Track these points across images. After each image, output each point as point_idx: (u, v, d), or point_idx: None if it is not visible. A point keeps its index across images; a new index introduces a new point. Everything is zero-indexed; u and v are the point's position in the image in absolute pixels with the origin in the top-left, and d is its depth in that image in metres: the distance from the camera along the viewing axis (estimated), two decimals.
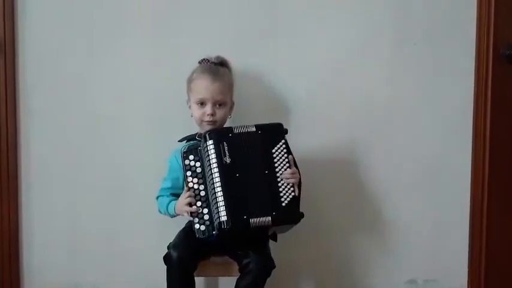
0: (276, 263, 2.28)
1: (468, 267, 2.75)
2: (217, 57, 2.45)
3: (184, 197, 2.27)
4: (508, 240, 2.73)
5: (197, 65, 2.44)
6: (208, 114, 2.36)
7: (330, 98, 2.66)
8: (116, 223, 2.67)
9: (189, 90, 2.43)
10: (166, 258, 2.25)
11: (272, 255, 2.31)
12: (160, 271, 2.27)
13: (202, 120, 2.38)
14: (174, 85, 2.55)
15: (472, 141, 2.71)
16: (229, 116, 2.44)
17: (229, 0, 2.62)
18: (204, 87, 2.37)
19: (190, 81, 2.43)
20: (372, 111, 2.68)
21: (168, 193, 2.40)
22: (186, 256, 2.23)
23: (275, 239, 2.37)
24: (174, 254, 2.23)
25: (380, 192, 2.71)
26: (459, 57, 2.68)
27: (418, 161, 2.71)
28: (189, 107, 2.44)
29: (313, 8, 2.63)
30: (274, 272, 2.27)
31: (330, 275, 2.73)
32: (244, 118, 2.45)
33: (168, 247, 2.27)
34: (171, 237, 2.33)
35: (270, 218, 2.21)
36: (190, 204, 2.26)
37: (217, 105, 2.37)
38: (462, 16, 2.67)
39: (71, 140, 2.65)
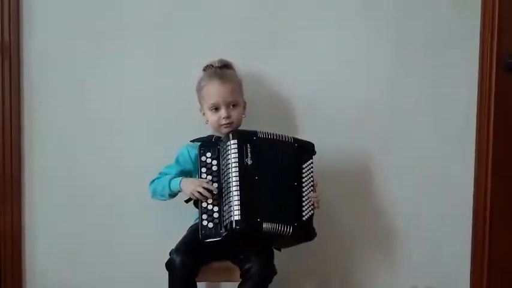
0: (277, 269, 2.27)
1: (470, 276, 2.75)
2: (220, 61, 2.46)
3: (202, 180, 2.26)
4: (510, 248, 2.73)
5: (202, 72, 2.45)
6: (224, 118, 2.36)
7: (331, 104, 2.66)
8: (118, 226, 2.67)
9: (200, 98, 2.44)
10: (169, 264, 2.24)
11: (274, 261, 2.30)
12: (161, 275, 2.27)
13: (219, 125, 2.38)
14: (176, 88, 2.57)
15: (475, 149, 2.71)
16: (243, 116, 2.44)
17: (233, 4, 2.63)
18: (215, 91, 2.38)
19: (200, 89, 2.43)
20: (374, 118, 2.69)
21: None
22: (188, 261, 2.23)
23: (279, 249, 2.38)
24: (177, 259, 2.22)
25: (382, 200, 2.71)
26: (462, 65, 2.68)
27: (420, 168, 2.71)
28: (203, 114, 2.43)
29: (316, 13, 2.64)
30: (275, 278, 2.26)
31: (331, 282, 2.74)
32: (246, 122, 2.45)
33: (171, 253, 2.26)
34: (172, 240, 2.32)
35: (291, 227, 2.22)
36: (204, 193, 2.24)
37: (230, 107, 2.38)
38: (465, 24, 2.67)
39: (73, 143, 2.65)
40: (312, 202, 2.31)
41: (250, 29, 2.63)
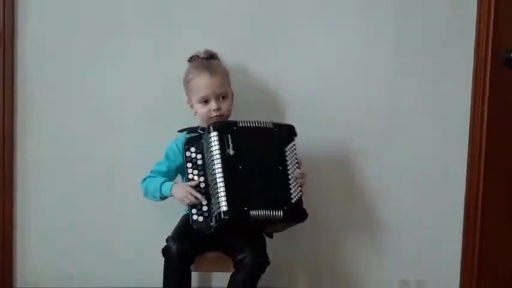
0: (270, 259, 2.27)
1: (461, 269, 2.76)
2: (206, 52, 2.45)
3: (190, 186, 2.27)
4: (501, 242, 2.74)
5: (187, 64, 2.44)
6: (214, 110, 2.36)
7: (330, 102, 2.67)
8: (111, 220, 2.67)
9: (188, 91, 2.43)
10: (165, 251, 2.25)
11: (267, 251, 2.30)
12: (157, 266, 2.28)
13: (209, 117, 2.37)
14: (173, 84, 2.54)
15: (468, 146, 2.72)
16: (232, 107, 2.44)
17: (232, 3, 2.63)
18: (204, 84, 2.37)
19: (187, 81, 2.43)
20: (373, 117, 2.70)
21: (161, 176, 2.39)
22: (185, 249, 2.24)
23: (271, 236, 2.39)
24: (174, 246, 2.23)
25: (375, 194, 2.72)
26: (461, 64, 2.69)
27: (415, 164, 2.72)
28: (191, 106, 2.43)
29: (315, 12, 2.65)
30: (268, 268, 2.27)
31: (323, 273, 2.74)
32: (244, 118, 2.44)
33: (167, 240, 2.27)
34: (167, 231, 2.33)
35: (281, 212, 2.22)
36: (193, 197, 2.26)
37: (220, 99, 2.38)
38: (464, 23, 2.68)
39: (67, 136, 2.65)
40: (299, 183, 2.30)
41: (249, 28, 2.63)
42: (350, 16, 2.66)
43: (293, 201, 2.27)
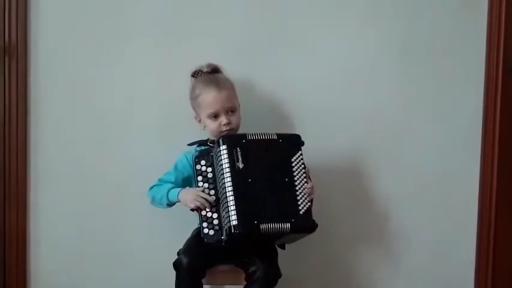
0: (282, 271, 2.28)
1: (474, 280, 2.75)
2: (209, 65, 2.44)
3: (199, 191, 2.27)
4: None
5: (191, 79, 2.44)
6: (224, 124, 2.36)
7: (337, 108, 2.67)
8: (124, 228, 2.68)
9: (196, 106, 2.42)
10: (177, 264, 2.26)
11: (278, 264, 2.31)
12: (167, 276, 2.29)
13: (220, 131, 2.37)
14: (182, 89, 2.56)
15: (481, 154, 2.71)
16: (240, 118, 2.44)
17: (239, 8, 2.63)
18: (213, 99, 2.37)
19: (195, 97, 2.42)
20: (380, 122, 2.69)
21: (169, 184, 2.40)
22: (196, 263, 2.25)
23: (283, 247, 2.39)
24: (185, 260, 2.24)
25: (386, 203, 2.72)
26: (468, 70, 2.69)
27: (425, 172, 2.71)
28: (199, 121, 2.43)
29: (321, 19, 2.65)
30: (280, 281, 2.27)
31: (334, 284, 2.73)
32: (251, 128, 2.43)
33: (178, 253, 2.28)
34: (177, 242, 2.34)
35: (289, 224, 2.22)
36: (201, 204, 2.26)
37: (229, 113, 2.38)
38: (472, 29, 2.68)
39: (79, 145, 2.66)
40: (307, 194, 2.29)
41: (256, 36, 2.63)
42: (355, 21, 2.66)
43: (301, 212, 2.27)
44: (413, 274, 2.74)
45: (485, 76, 2.69)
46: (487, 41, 2.67)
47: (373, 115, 2.69)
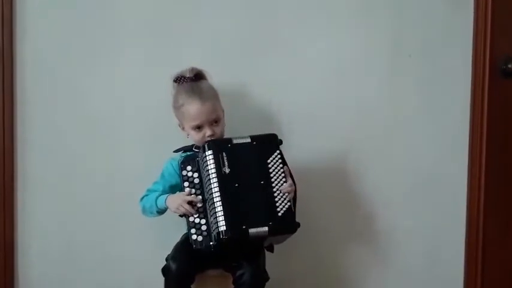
0: (270, 274, 2.27)
1: (464, 279, 2.75)
2: (192, 70, 2.39)
3: (185, 194, 2.26)
4: (504, 252, 2.75)
5: (174, 85, 2.40)
6: (209, 136, 2.34)
7: (326, 108, 2.67)
8: (113, 233, 2.66)
9: (179, 116, 2.39)
10: (165, 270, 2.24)
11: (266, 266, 2.31)
12: (157, 281, 2.27)
13: (204, 142, 2.33)
14: (171, 93, 2.56)
15: (469, 154, 2.72)
16: (224, 125, 2.42)
17: (227, 10, 2.62)
18: (196, 112, 2.33)
19: (178, 107, 2.38)
20: (369, 122, 2.70)
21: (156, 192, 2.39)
22: (184, 268, 2.23)
23: (272, 250, 2.38)
24: (173, 266, 2.22)
25: (376, 203, 2.72)
26: (456, 70, 2.70)
27: (414, 172, 2.72)
28: (182, 129, 2.41)
29: (311, 19, 2.64)
30: (268, 283, 2.26)
31: (323, 286, 2.72)
32: (240, 131, 2.44)
33: (167, 259, 2.26)
34: (168, 247, 2.33)
35: (266, 228, 2.21)
36: (190, 206, 2.25)
37: (213, 124, 2.36)
38: (459, 28, 2.69)
39: (67, 149, 2.64)
40: (286, 194, 2.27)
41: (245, 36, 2.63)
42: (345, 22, 2.67)
43: (280, 214, 2.25)
44: (402, 274, 2.74)
45: (472, 78, 2.70)
46: (473, 42, 2.69)
47: (362, 116, 2.69)
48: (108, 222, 2.66)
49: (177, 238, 2.41)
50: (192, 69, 2.39)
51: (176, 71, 2.42)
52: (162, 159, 2.44)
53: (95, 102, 2.63)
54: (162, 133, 2.60)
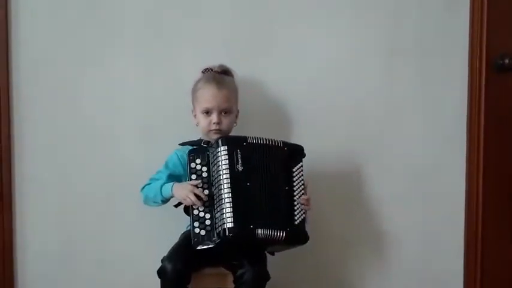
0: (271, 274, 2.27)
1: (464, 277, 2.76)
2: (220, 66, 2.45)
3: (193, 184, 2.24)
4: (504, 251, 2.75)
5: (200, 74, 2.43)
6: (214, 123, 2.35)
7: (324, 108, 2.67)
8: (110, 233, 2.66)
9: (194, 100, 2.42)
10: (161, 271, 2.23)
11: (267, 267, 2.30)
12: (156, 281, 2.26)
13: (209, 130, 2.36)
14: (167, 93, 2.56)
15: (466, 151, 2.72)
16: (234, 124, 2.43)
17: (226, 9, 2.62)
18: (210, 95, 2.36)
19: (195, 91, 2.41)
20: (366, 121, 2.70)
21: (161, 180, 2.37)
22: (180, 269, 2.22)
23: (272, 254, 2.38)
24: (169, 266, 2.21)
25: (374, 203, 2.72)
26: (452, 67, 2.70)
27: (413, 171, 2.72)
28: (194, 115, 2.42)
29: (309, 19, 2.64)
30: (268, 284, 2.26)
31: (324, 286, 2.73)
32: (240, 127, 2.46)
33: (162, 260, 2.25)
34: (165, 247, 2.32)
35: (284, 233, 2.22)
36: (197, 197, 2.23)
37: (223, 113, 2.36)
38: (455, 26, 2.69)
39: (65, 149, 2.63)
40: (303, 206, 2.30)
41: (243, 35, 2.62)
42: (342, 21, 2.66)
43: (296, 222, 2.27)
44: (402, 276, 2.74)
45: (469, 74, 2.70)
46: (469, 37, 2.69)
47: (360, 115, 2.69)
48: (106, 222, 2.65)
49: (176, 238, 2.40)
50: (221, 65, 2.44)
51: (175, 70, 2.46)
52: (161, 159, 2.43)
53: (92, 102, 2.62)
54: (160, 133, 2.60)
